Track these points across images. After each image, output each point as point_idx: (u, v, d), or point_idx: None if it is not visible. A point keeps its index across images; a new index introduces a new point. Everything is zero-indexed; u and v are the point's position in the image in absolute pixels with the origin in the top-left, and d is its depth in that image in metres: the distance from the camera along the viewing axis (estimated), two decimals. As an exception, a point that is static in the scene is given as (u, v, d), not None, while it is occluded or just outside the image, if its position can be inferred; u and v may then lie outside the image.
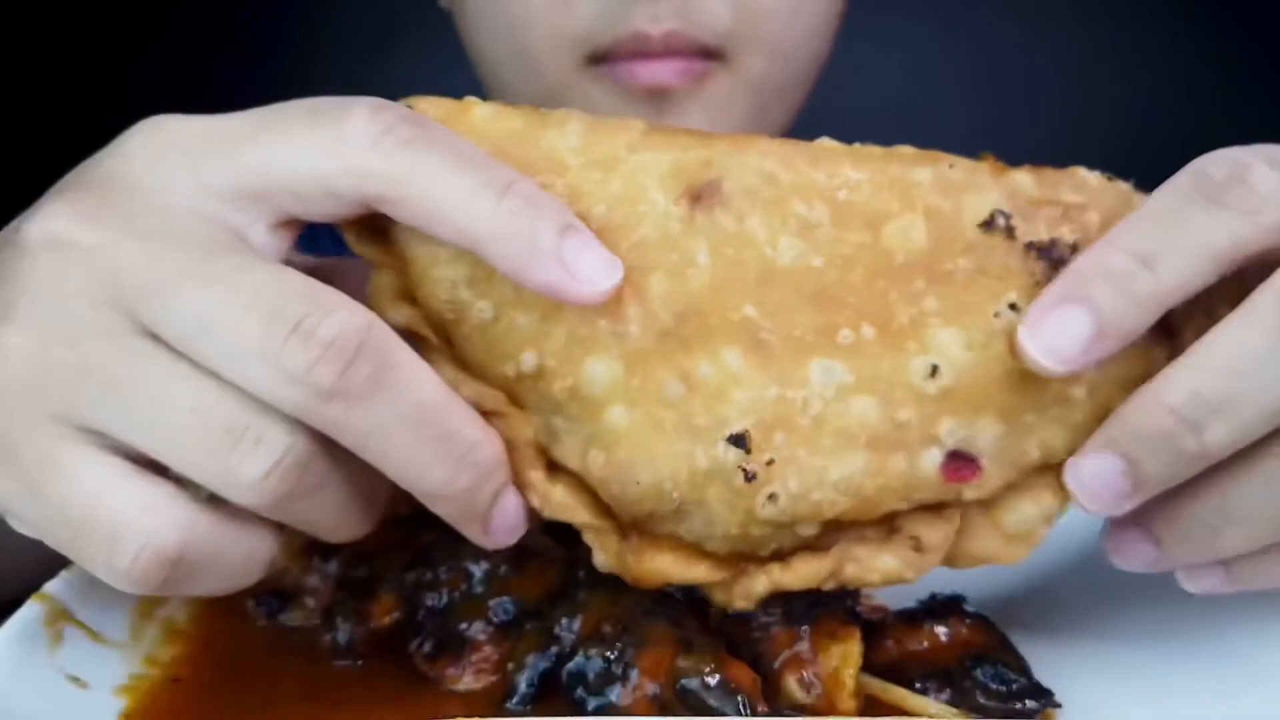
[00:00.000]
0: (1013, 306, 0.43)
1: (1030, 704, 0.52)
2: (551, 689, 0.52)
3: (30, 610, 0.55)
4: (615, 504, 0.46)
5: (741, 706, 0.48)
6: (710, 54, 0.87)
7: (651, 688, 0.49)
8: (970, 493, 0.45)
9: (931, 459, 0.44)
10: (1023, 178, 0.45)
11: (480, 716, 0.52)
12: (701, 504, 0.44)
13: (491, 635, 0.55)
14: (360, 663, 0.57)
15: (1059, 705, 0.52)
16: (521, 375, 0.45)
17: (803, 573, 0.46)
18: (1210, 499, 0.45)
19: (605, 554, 0.47)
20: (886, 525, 0.46)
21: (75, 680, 0.53)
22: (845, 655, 0.50)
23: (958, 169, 0.44)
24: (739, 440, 0.43)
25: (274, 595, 0.61)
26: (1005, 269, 0.43)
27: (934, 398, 0.43)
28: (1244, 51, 1.71)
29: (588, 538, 0.48)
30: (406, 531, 0.61)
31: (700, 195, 0.43)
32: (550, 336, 0.44)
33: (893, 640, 0.55)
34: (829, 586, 0.47)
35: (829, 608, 0.52)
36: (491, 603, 0.55)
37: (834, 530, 0.46)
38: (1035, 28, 1.74)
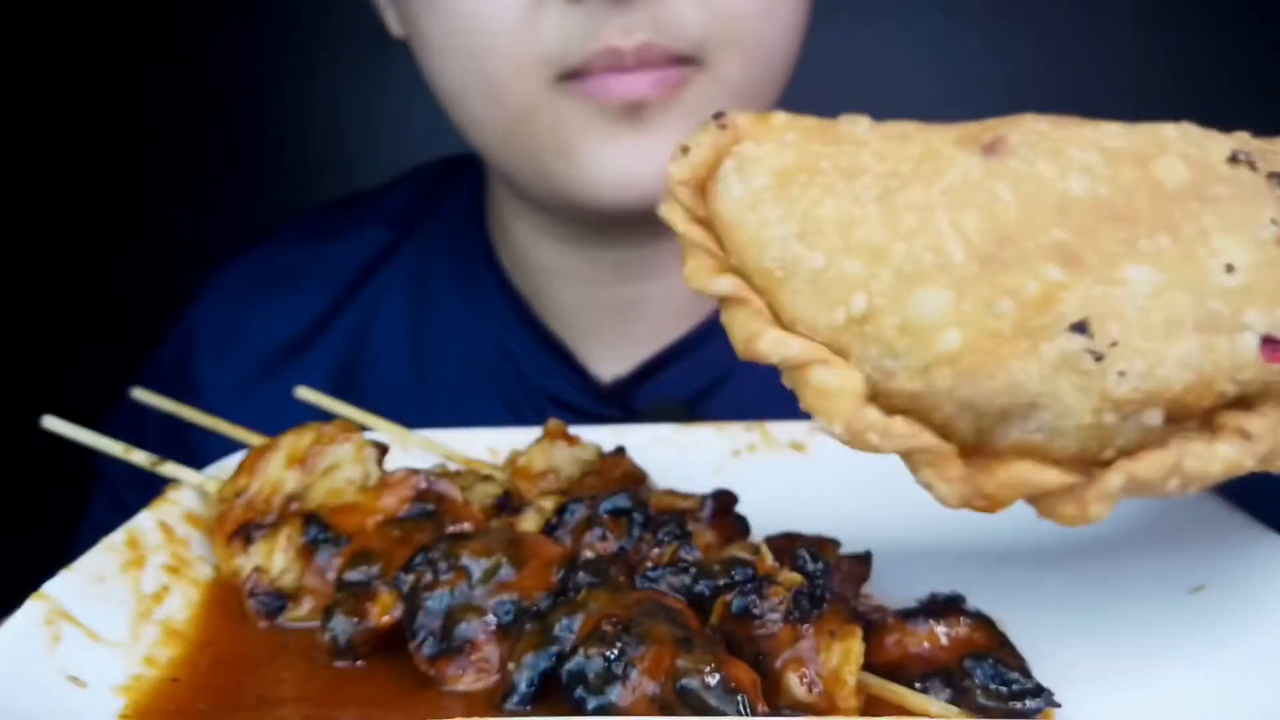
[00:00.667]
0: (1274, 221, 0.49)
1: (1030, 703, 0.52)
2: (551, 688, 0.51)
3: (30, 610, 0.55)
4: (959, 419, 0.48)
5: (741, 706, 0.48)
6: (685, 61, 0.85)
7: (651, 687, 0.49)
8: None
9: (1248, 342, 0.47)
10: (1241, 134, 0.52)
11: (480, 716, 0.52)
12: (1054, 395, 0.46)
13: (491, 635, 0.55)
14: (360, 662, 0.57)
15: (1058, 705, 0.52)
16: (851, 319, 0.48)
17: (1152, 463, 0.47)
18: None
19: (948, 481, 0.48)
20: (1210, 424, 0.48)
21: (74, 680, 0.53)
22: (847, 654, 0.50)
23: (1193, 127, 0.52)
24: (1081, 327, 0.46)
25: (273, 595, 0.61)
26: (1257, 192, 0.49)
27: (1236, 290, 0.47)
28: (1246, 49, 1.71)
29: (926, 474, 0.48)
30: (406, 531, 0.62)
31: (992, 147, 0.49)
32: (878, 277, 0.48)
33: (893, 639, 0.55)
34: (1172, 486, 0.47)
35: (830, 606, 0.52)
36: (491, 602, 0.56)
37: (1170, 425, 0.48)
38: (1035, 26, 1.75)
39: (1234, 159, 0.50)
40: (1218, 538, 0.63)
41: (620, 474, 0.71)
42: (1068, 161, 0.49)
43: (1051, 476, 0.47)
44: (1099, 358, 0.46)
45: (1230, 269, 0.47)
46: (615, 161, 0.86)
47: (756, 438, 0.80)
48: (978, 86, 1.73)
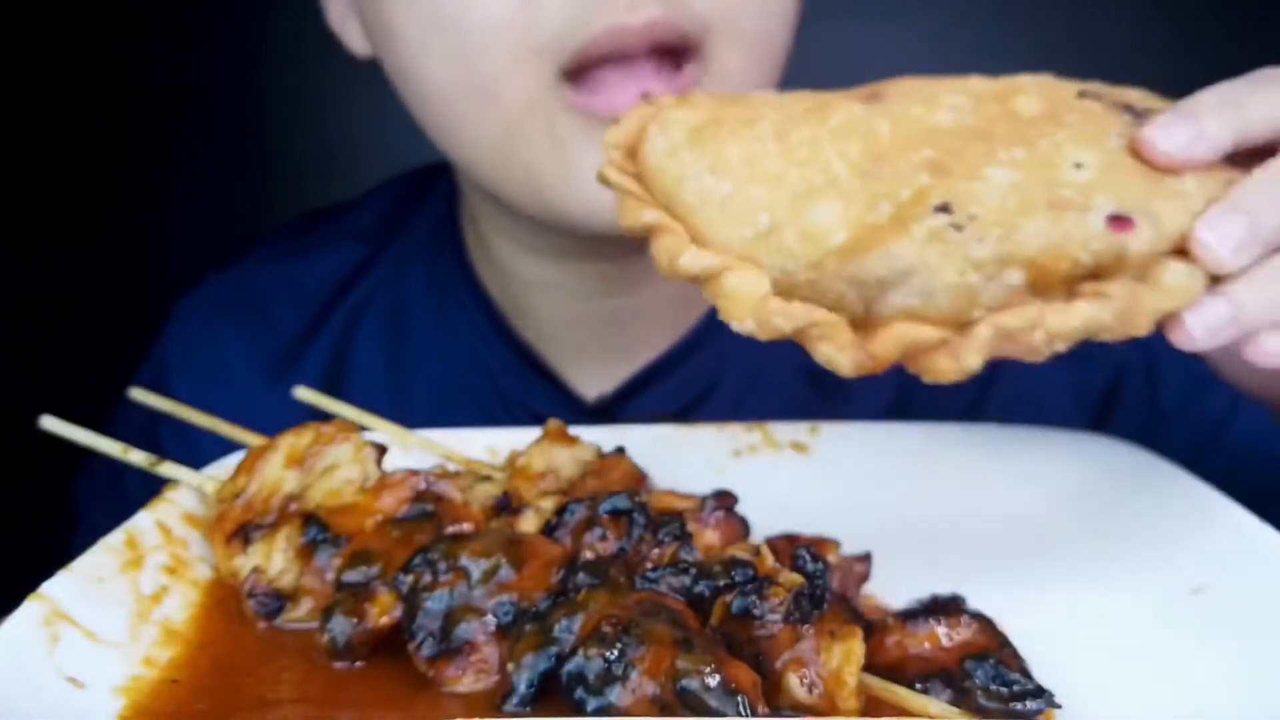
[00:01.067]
0: (1119, 134, 0.56)
1: (1031, 704, 0.52)
2: (551, 690, 0.51)
3: (28, 611, 0.55)
4: (848, 295, 0.55)
5: (741, 707, 0.48)
6: (686, 51, 0.81)
7: (651, 688, 0.49)
8: (1134, 244, 0.53)
9: (1097, 217, 0.53)
10: (1092, 83, 0.60)
11: (480, 717, 0.52)
12: (924, 262, 0.53)
13: (491, 636, 0.55)
14: (359, 663, 0.57)
15: (1059, 705, 0.52)
16: (758, 234, 0.56)
17: (1016, 315, 0.52)
18: None
19: (841, 349, 0.53)
20: (1070, 293, 0.54)
21: (73, 681, 0.53)
22: (847, 655, 0.50)
23: (1049, 76, 0.61)
24: (945, 208, 0.53)
25: (272, 596, 0.61)
26: (1105, 118, 0.57)
27: (1085, 183, 0.54)
28: (1245, 49, 1.71)
29: (824, 348, 0.54)
30: (405, 531, 0.62)
31: (872, 96, 0.59)
32: (778, 198, 0.56)
33: (894, 640, 0.55)
34: (1037, 339, 0.52)
35: (831, 607, 0.52)
36: (491, 603, 0.56)
37: (1035, 293, 0.53)
38: (1034, 25, 1.75)
39: (1083, 94, 0.59)
40: (1219, 538, 0.63)
41: (620, 474, 0.71)
42: (938, 102, 0.58)
43: (927, 332, 0.52)
44: (960, 228, 0.53)
45: (1080, 166, 0.54)
46: None
47: (757, 438, 0.80)
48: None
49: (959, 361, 0.52)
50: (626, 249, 0.93)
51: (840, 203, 0.56)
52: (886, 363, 0.53)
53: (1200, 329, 0.54)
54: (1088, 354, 1.01)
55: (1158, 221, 0.53)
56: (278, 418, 0.71)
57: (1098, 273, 0.53)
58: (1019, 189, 0.54)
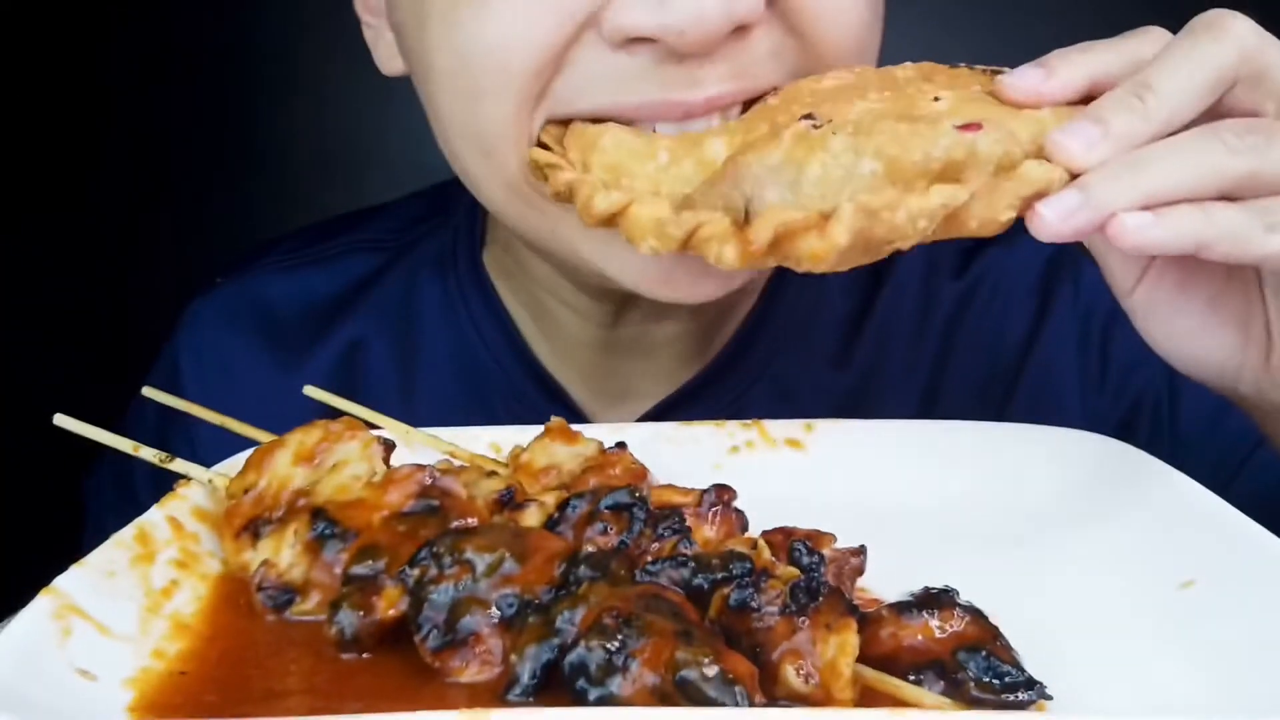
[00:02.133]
0: (982, 87, 0.63)
1: (1022, 695, 0.53)
2: (553, 680, 0.52)
3: (40, 604, 0.56)
4: (731, 200, 0.62)
5: (739, 697, 0.48)
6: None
7: (651, 679, 0.50)
8: (983, 144, 0.58)
9: (947, 125, 0.59)
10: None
11: (484, 707, 0.52)
12: (791, 159, 0.60)
13: (495, 627, 0.55)
14: (366, 655, 0.58)
15: (1050, 697, 0.53)
16: (659, 167, 0.68)
17: (878, 196, 0.57)
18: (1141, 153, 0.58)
19: (727, 243, 0.60)
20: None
21: (84, 673, 0.54)
22: (842, 646, 0.51)
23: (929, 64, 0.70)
24: (808, 116, 0.62)
25: (280, 589, 0.62)
26: (971, 78, 0.65)
27: (941, 110, 0.60)
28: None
29: (713, 247, 0.60)
30: (411, 526, 0.62)
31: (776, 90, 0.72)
32: (679, 141, 0.69)
33: (888, 632, 0.55)
34: (900, 217, 0.57)
35: (826, 600, 0.53)
36: (495, 596, 0.56)
37: (890, 185, 0.59)
38: (1033, 26, 1.75)
39: (954, 66, 0.67)
40: (1206, 533, 0.63)
41: (621, 470, 0.71)
42: (823, 75, 0.69)
43: (795, 215, 0.58)
44: (818, 128, 0.60)
45: (938, 99, 0.61)
46: (653, 263, 0.74)
47: (754, 435, 0.81)
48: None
49: (827, 240, 0.57)
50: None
51: (727, 137, 0.66)
52: (763, 249, 0.58)
53: (1054, 214, 0.57)
54: (1106, 383, 1.01)
55: (1011, 133, 0.58)
56: (286, 424, 0.70)
57: (952, 174, 0.58)
58: (878, 112, 0.60)
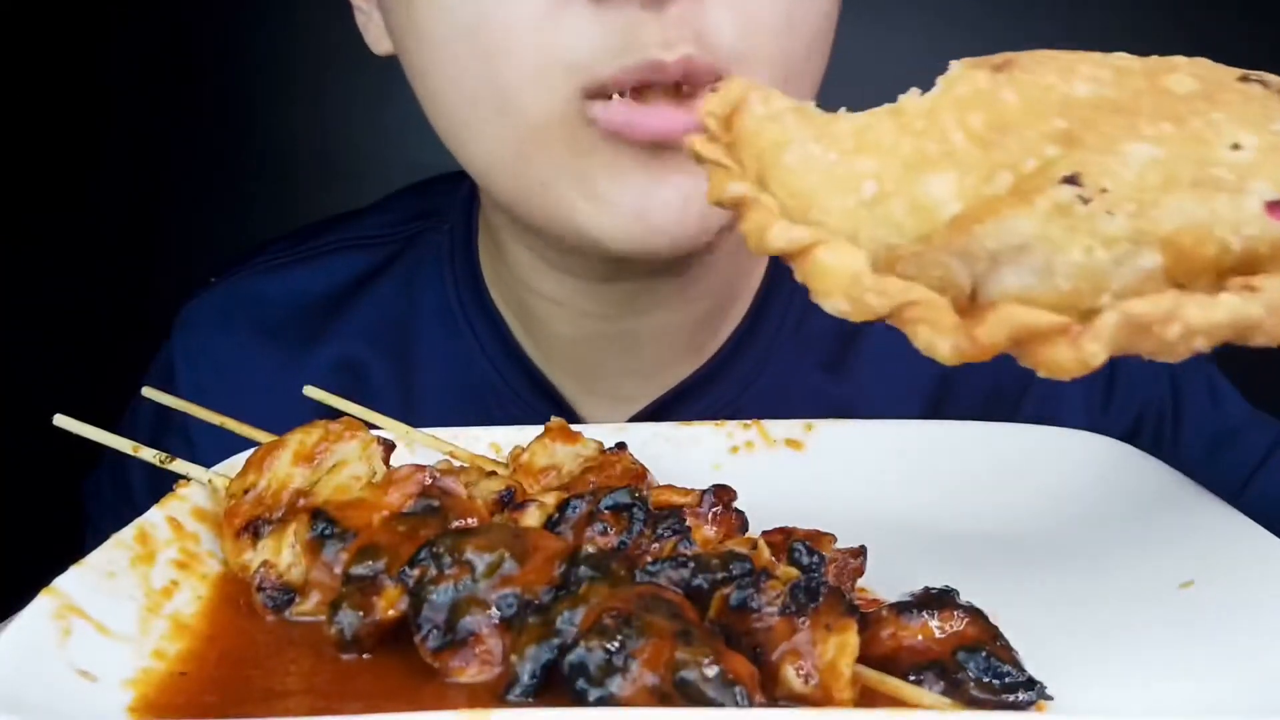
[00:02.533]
0: None
1: (1022, 696, 0.53)
2: (553, 680, 0.52)
3: (40, 604, 0.56)
4: (954, 273, 0.49)
5: (739, 698, 0.48)
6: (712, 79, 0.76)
7: (651, 679, 0.50)
8: None
9: (1253, 201, 0.46)
10: (1257, 71, 0.53)
11: (484, 707, 0.52)
12: (1044, 236, 0.47)
13: (495, 628, 0.56)
14: (366, 655, 0.58)
15: (1051, 697, 0.53)
16: (861, 203, 0.51)
17: (1149, 303, 0.45)
18: None
19: (942, 332, 0.47)
20: (1217, 286, 0.46)
21: (84, 673, 0.54)
22: (842, 646, 0.51)
23: (1206, 59, 0.54)
24: (1072, 179, 0.47)
25: (280, 589, 0.62)
26: (1266, 103, 0.50)
27: (1242, 163, 0.47)
28: (1243, 47, 1.71)
29: (923, 332, 0.47)
30: (411, 526, 0.62)
31: (1001, 66, 0.52)
32: (887, 168, 0.51)
33: (888, 632, 0.55)
34: (1173, 333, 0.44)
35: (826, 600, 0.53)
36: (495, 596, 0.56)
37: (1174, 284, 0.47)
38: (1037, 32, 1.75)
39: (1245, 78, 0.51)
40: (1207, 533, 0.64)
41: (621, 470, 0.71)
42: (1075, 73, 0.51)
43: (1043, 316, 0.45)
44: (1088, 201, 0.47)
45: (1237, 147, 0.48)
46: (630, 195, 0.79)
47: (754, 435, 0.81)
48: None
49: (1079, 352, 0.45)
50: (648, 269, 0.90)
51: (956, 173, 0.50)
52: (994, 350, 0.46)
53: None
54: (1111, 403, 1.00)
55: None
56: (283, 422, 0.71)
57: (1247, 266, 0.46)
58: (1162, 165, 0.47)
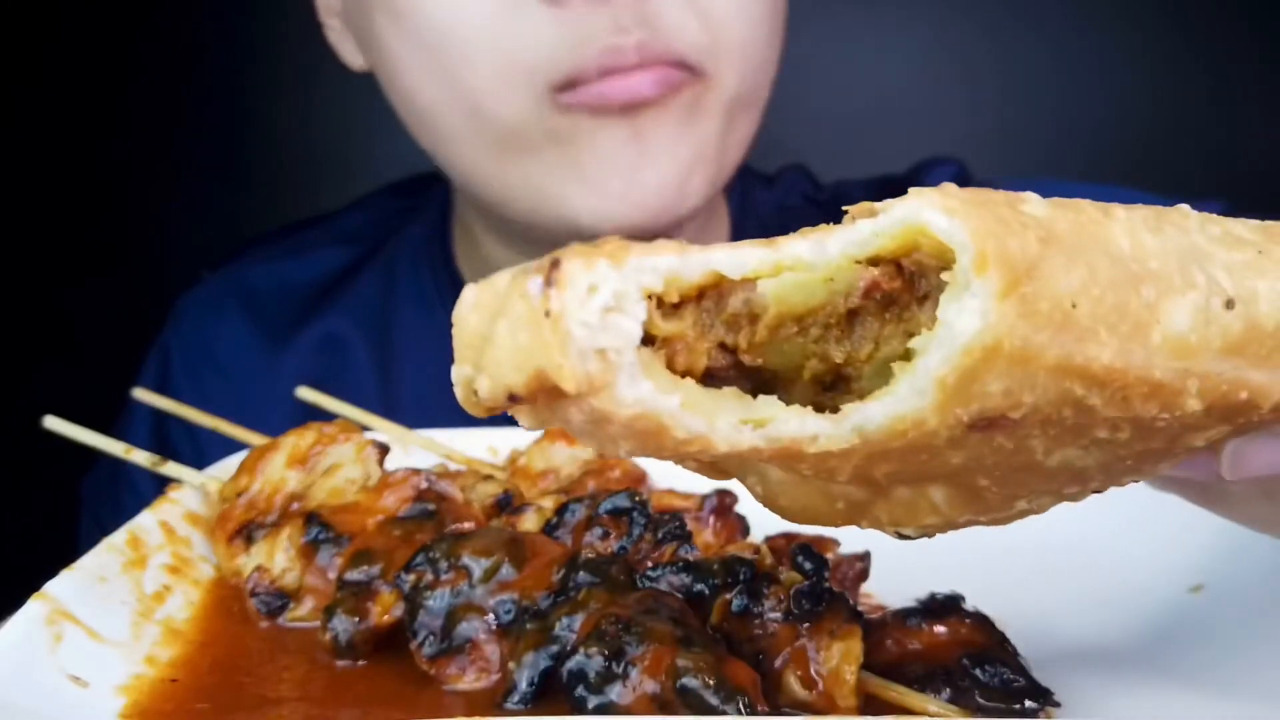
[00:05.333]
0: None
1: (1029, 703, 0.52)
2: (552, 687, 0.52)
3: (31, 609, 0.55)
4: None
5: (741, 705, 0.48)
6: (685, 67, 0.82)
7: (652, 686, 0.49)
8: None
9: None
10: None
11: (481, 715, 0.52)
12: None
13: (492, 634, 0.55)
14: (361, 661, 0.57)
15: (1058, 704, 0.52)
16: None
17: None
18: None
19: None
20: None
21: (76, 679, 0.53)
22: (846, 653, 0.51)
23: None
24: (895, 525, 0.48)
25: (274, 594, 0.61)
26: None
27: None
28: (1241, 46, 1.71)
29: None
30: (406, 530, 0.62)
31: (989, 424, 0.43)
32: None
33: (892, 639, 0.55)
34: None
35: (830, 606, 0.52)
36: (492, 602, 0.56)
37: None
38: (1036, 32, 1.75)
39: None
40: (1216, 538, 0.63)
41: (620, 473, 0.71)
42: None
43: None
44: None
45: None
46: (616, 173, 0.83)
47: (756, 438, 0.80)
48: (973, 88, 1.73)
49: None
50: None
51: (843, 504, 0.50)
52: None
53: None
54: None
55: None
56: (274, 406, 0.72)
57: None
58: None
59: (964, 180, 1.14)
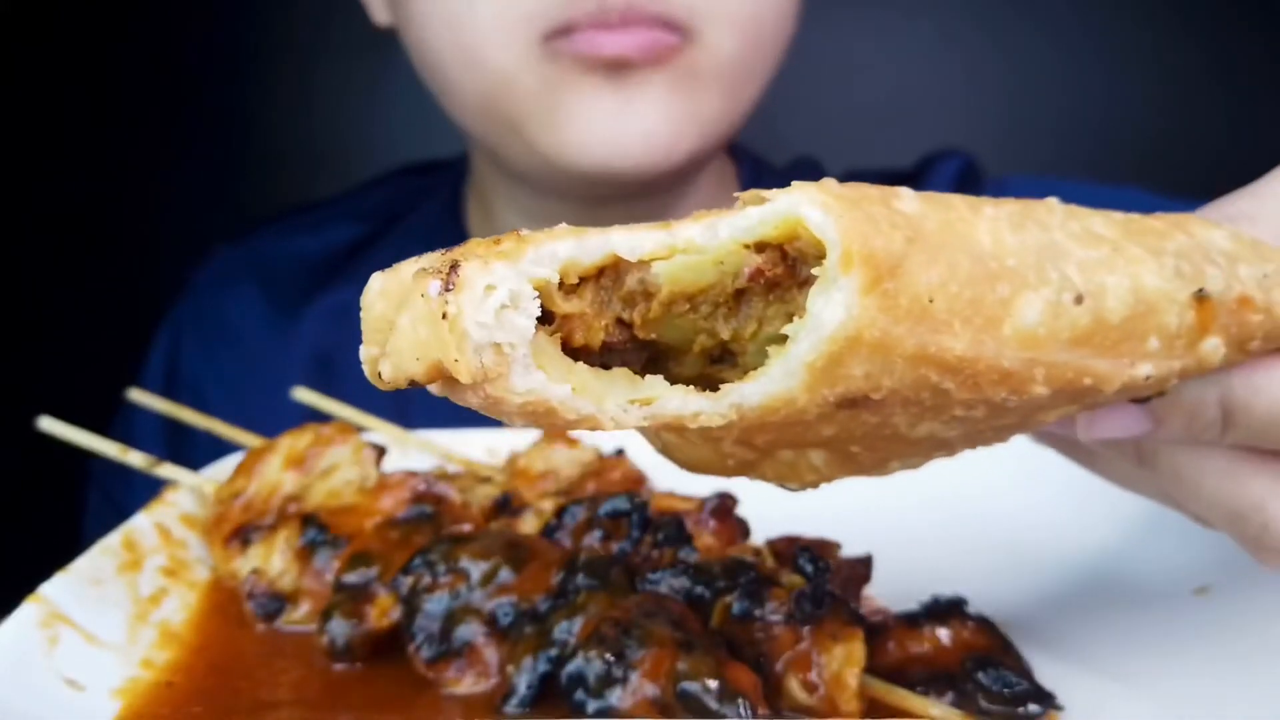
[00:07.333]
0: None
1: (1033, 707, 0.52)
2: (551, 691, 0.51)
3: (27, 612, 0.55)
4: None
5: (743, 709, 0.48)
6: (674, 27, 0.85)
7: (652, 690, 0.49)
8: None
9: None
10: None
11: (480, 719, 0.51)
12: None
13: (490, 637, 0.55)
14: (358, 665, 0.57)
15: (1061, 708, 0.52)
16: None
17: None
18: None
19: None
20: None
21: (71, 683, 0.53)
22: (849, 656, 0.50)
23: None
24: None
25: (270, 597, 0.61)
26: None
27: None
28: (1240, 45, 1.71)
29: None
30: (404, 533, 0.61)
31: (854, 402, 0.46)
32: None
33: (894, 643, 0.55)
34: None
35: (832, 609, 0.52)
36: (490, 605, 0.55)
37: None
38: (1046, 27, 1.75)
39: None
40: (1221, 539, 0.62)
41: (620, 476, 0.71)
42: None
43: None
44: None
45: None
46: (599, 121, 0.86)
47: (757, 439, 0.80)
48: (976, 86, 1.73)
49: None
50: (623, 218, 0.96)
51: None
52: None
53: None
54: None
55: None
56: (282, 376, 0.73)
57: None
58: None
59: (972, 172, 1.14)
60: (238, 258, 1.17)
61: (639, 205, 0.97)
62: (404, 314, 0.41)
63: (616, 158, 0.87)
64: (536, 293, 0.40)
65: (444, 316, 0.39)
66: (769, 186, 1.09)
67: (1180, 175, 1.56)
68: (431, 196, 1.16)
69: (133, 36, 1.77)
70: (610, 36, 0.83)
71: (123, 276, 1.74)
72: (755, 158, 1.16)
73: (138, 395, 0.79)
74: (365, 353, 0.44)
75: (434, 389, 0.42)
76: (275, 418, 0.84)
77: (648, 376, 0.44)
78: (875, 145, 1.39)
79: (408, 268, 0.43)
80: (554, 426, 0.42)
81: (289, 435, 0.67)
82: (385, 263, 1.22)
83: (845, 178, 1.21)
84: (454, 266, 0.39)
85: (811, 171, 1.19)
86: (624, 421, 0.42)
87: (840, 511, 0.68)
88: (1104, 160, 1.71)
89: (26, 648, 0.53)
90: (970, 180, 1.13)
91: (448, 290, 0.39)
